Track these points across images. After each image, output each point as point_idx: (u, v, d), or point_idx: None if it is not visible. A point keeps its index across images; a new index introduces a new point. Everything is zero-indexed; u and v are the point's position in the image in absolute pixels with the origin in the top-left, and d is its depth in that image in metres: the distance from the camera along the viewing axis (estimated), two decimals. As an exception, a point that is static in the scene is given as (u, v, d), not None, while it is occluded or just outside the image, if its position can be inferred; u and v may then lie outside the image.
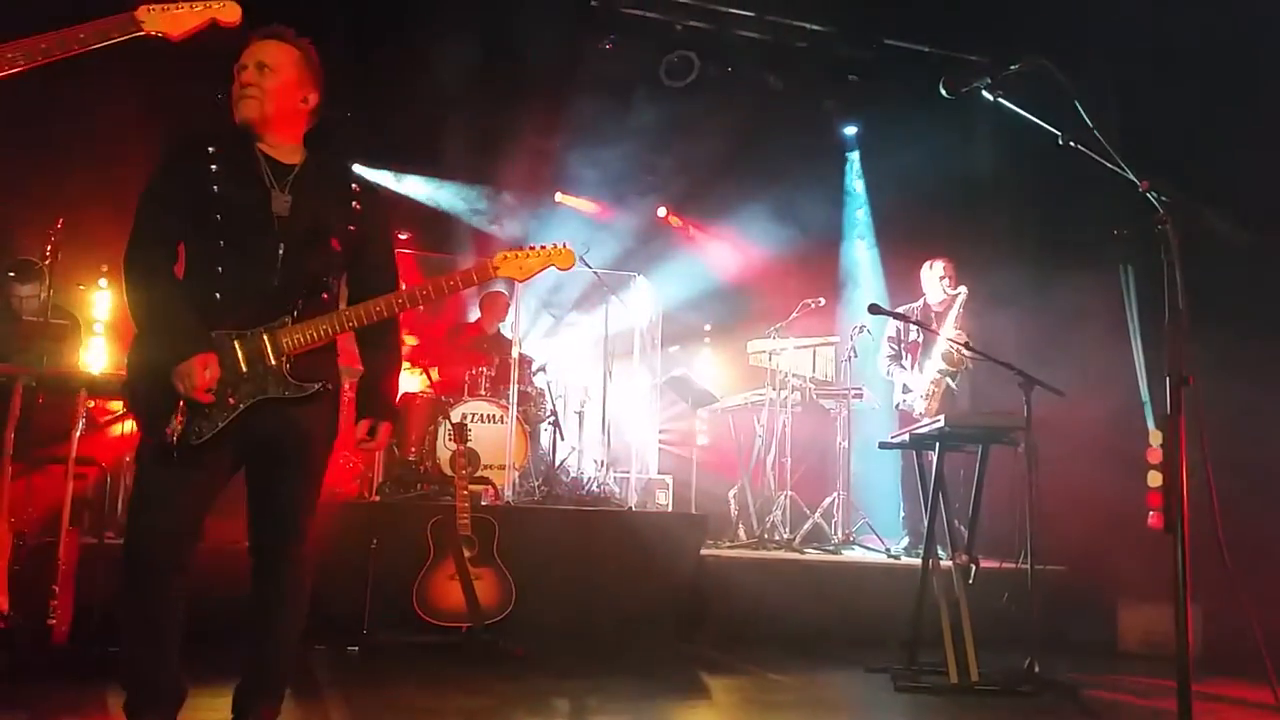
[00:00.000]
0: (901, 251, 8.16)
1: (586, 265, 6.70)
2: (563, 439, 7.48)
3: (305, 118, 2.90)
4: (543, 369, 7.67)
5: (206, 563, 2.81)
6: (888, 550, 6.69)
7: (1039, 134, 3.03)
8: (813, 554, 6.58)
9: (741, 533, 7.10)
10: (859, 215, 9.33)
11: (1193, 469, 2.58)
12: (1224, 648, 3.82)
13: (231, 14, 2.53)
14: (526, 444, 6.79)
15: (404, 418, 6.66)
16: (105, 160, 6.11)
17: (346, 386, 3.49)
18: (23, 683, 3.90)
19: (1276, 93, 5.48)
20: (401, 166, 8.79)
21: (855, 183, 9.39)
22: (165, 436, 2.61)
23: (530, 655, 4.73)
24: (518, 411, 6.69)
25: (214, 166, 2.73)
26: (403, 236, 8.25)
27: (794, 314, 7.35)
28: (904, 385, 6.65)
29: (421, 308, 3.02)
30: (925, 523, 4.95)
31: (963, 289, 6.40)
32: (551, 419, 7.33)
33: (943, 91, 3.29)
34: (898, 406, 6.77)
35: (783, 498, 7.07)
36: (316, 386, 2.77)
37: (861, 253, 9.19)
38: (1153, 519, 2.60)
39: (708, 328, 9.16)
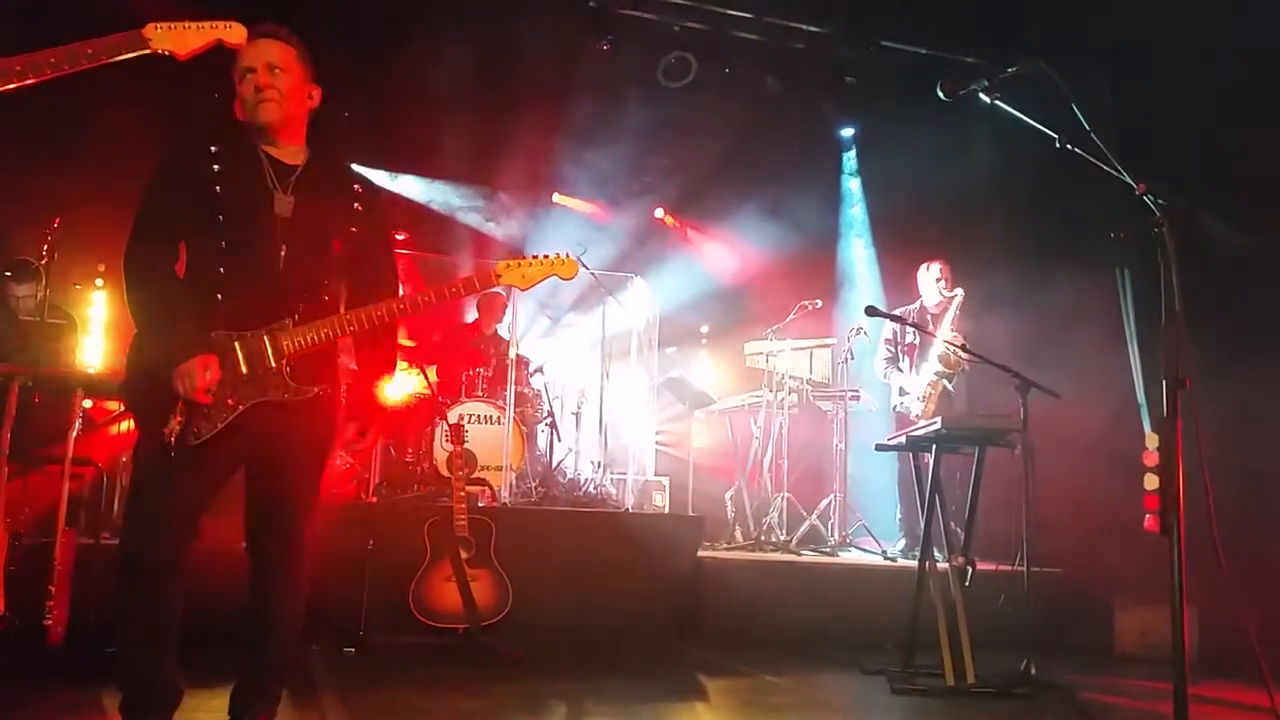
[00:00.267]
0: (898, 253, 8.17)
1: (584, 266, 6.69)
2: (559, 440, 7.48)
3: (308, 115, 2.90)
4: (540, 370, 7.67)
5: (203, 563, 2.81)
6: (884, 552, 6.69)
7: (1036, 136, 3.03)
8: (809, 556, 6.58)
9: (738, 534, 7.11)
10: (856, 216, 9.34)
11: (1189, 471, 2.59)
12: (1219, 650, 3.83)
13: (237, 35, 2.55)
14: (523, 445, 6.79)
15: (402, 419, 6.66)
16: (103, 160, 6.11)
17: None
18: (19, 684, 3.89)
19: (1273, 94, 5.49)
20: (399, 166, 8.79)
21: (852, 184, 9.39)
22: (164, 436, 2.61)
23: (527, 656, 4.73)
24: (515, 413, 6.68)
25: (216, 166, 2.73)
26: (400, 237, 8.24)
27: (791, 315, 7.35)
28: (900, 388, 6.66)
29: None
30: (922, 525, 4.95)
31: (959, 291, 6.41)
32: (548, 420, 7.33)
33: (940, 94, 3.30)
34: (894, 409, 6.78)
35: (779, 499, 7.08)
36: (316, 390, 2.77)
37: (858, 254, 9.20)
38: (1149, 522, 2.60)
39: (705, 330, 9.16)
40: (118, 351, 5.69)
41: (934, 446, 4.84)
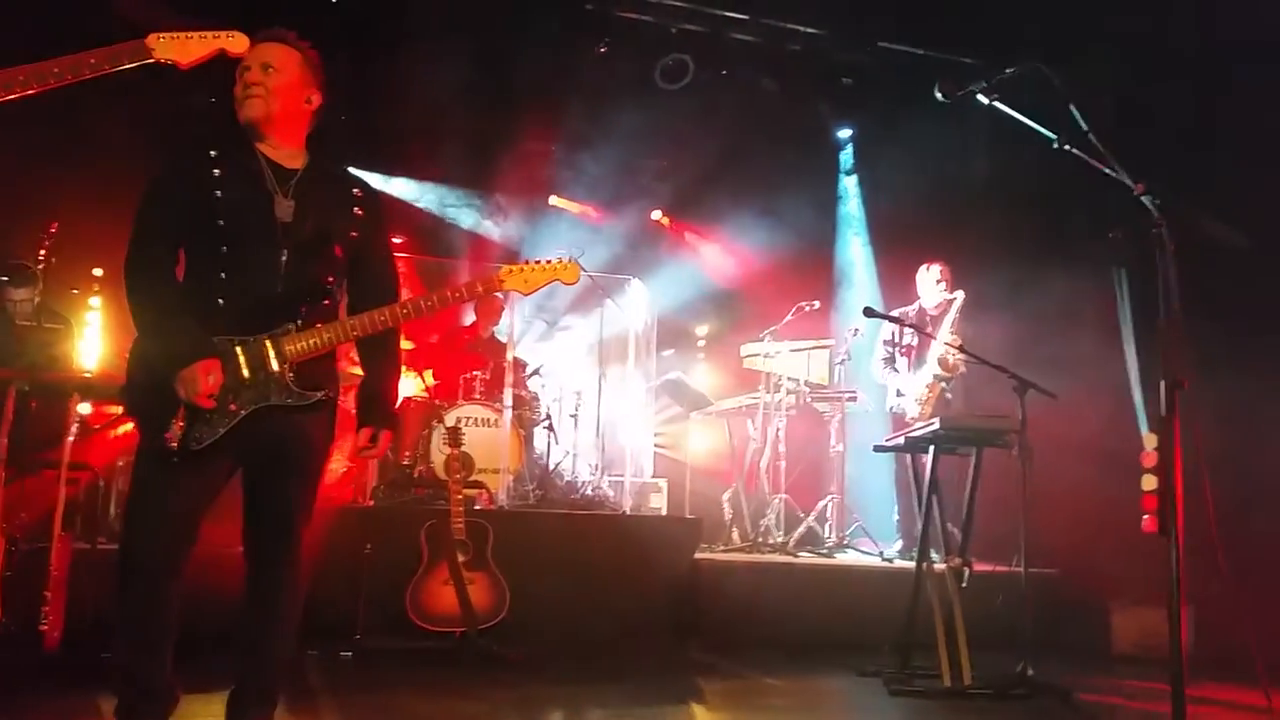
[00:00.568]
0: (896, 254, 8.17)
1: (581, 269, 6.69)
2: (557, 443, 7.47)
3: (308, 120, 2.90)
4: (537, 372, 7.66)
5: (201, 566, 2.80)
6: (881, 553, 6.69)
7: (1034, 137, 3.04)
8: (807, 557, 6.58)
9: (736, 536, 7.10)
10: (853, 217, 9.34)
11: (1185, 472, 2.59)
12: (1216, 650, 3.83)
13: (239, 45, 2.56)
14: (521, 448, 6.79)
15: (399, 422, 6.65)
16: (99, 164, 6.10)
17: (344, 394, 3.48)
18: (15, 689, 3.88)
19: (1270, 94, 5.50)
20: (396, 170, 8.79)
21: (849, 185, 9.40)
22: (165, 441, 2.60)
23: (525, 660, 4.72)
24: (512, 415, 6.68)
25: (216, 171, 2.73)
26: (398, 240, 8.24)
27: (788, 317, 7.35)
28: (897, 389, 6.65)
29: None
30: (919, 526, 4.95)
31: (959, 293, 6.40)
32: (546, 423, 7.33)
33: (938, 95, 3.31)
34: (890, 409, 6.78)
35: (777, 501, 7.07)
36: (319, 395, 2.77)
37: (855, 255, 9.20)
38: (1147, 522, 2.60)
39: (702, 333, 9.17)
40: (115, 356, 5.68)
41: (931, 447, 4.84)
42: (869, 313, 5.63)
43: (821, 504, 7.17)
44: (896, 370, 6.68)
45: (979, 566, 4.91)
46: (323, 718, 3.81)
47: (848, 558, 6.75)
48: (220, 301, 2.70)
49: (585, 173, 8.73)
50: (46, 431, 4.57)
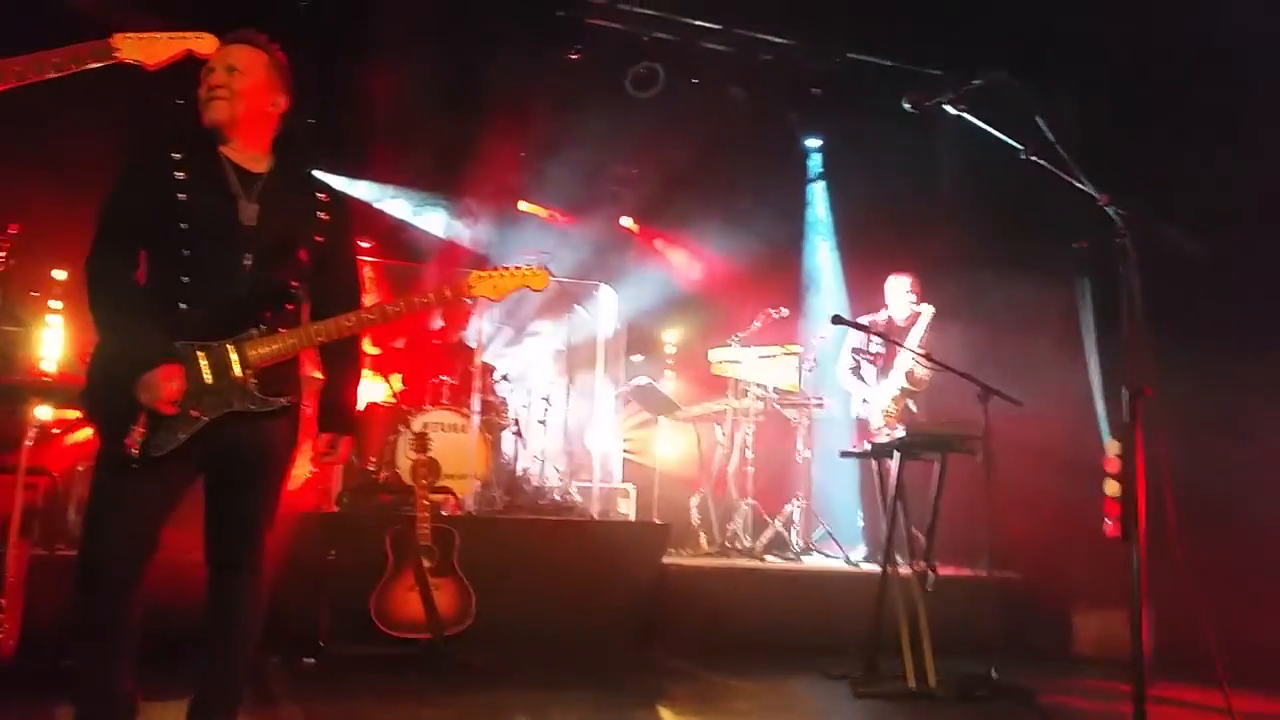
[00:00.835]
0: (863, 262, 8.24)
1: (551, 274, 6.67)
2: (525, 448, 7.45)
3: (274, 123, 2.87)
4: (505, 378, 7.64)
5: (161, 574, 2.76)
6: (847, 558, 6.74)
7: (1001, 148, 3.07)
8: (774, 562, 6.61)
9: (703, 541, 7.11)
10: (821, 226, 9.40)
11: (1148, 478, 2.63)
12: (1175, 652, 3.89)
13: (207, 46, 2.52)
14: (489, 453, 6.76)
15: (364, 427, 6.60)
16: (61, 165, 6.00)
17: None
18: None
19: (1232, 105, 5.61)
20: (364, 174, 8.73)
21: (818, 194, 9.45)
22: (125, 448, 2.56)
23: (491, 666, 4.70)
24: (480, 421, 6.65)
25: (179, 174, 2.69)
26: (365, 244, 8.18)
27: (756, 323, 7.38)
28: (863, 398, 6.69)
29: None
30: (884, 531, 4.99)
31: (928, 307, 6.45)
32: (514, 428, 7.31)
33: (906, 106, 3.34)
34: (855, 415, 6.82)
35: (744, 506, 7.10)
36: (283, 401, 2.74)
37: (823, 263, 9.25)
38: (1110, 527, 2.64)
39: (671, 340, 9.17)
40: (75, 359, 5.59)
41: (897, 454, 4.89)
42: (837, 320, 5.67)
43: (788, 509, 7.20)
44: (863, 379, 6.72)
45: (943, 571, 4.97)
46: (287, 726, 3.77)
47: (814, 562, 6.79)
48: (183, 306, 2.66)
49: (554, 179, 8.71)
50: (4, 436, 4.49)
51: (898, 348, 6.37)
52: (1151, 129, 6.00)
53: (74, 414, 5.01)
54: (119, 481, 2.62)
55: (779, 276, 8.86)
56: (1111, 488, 2.64)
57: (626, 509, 7.57)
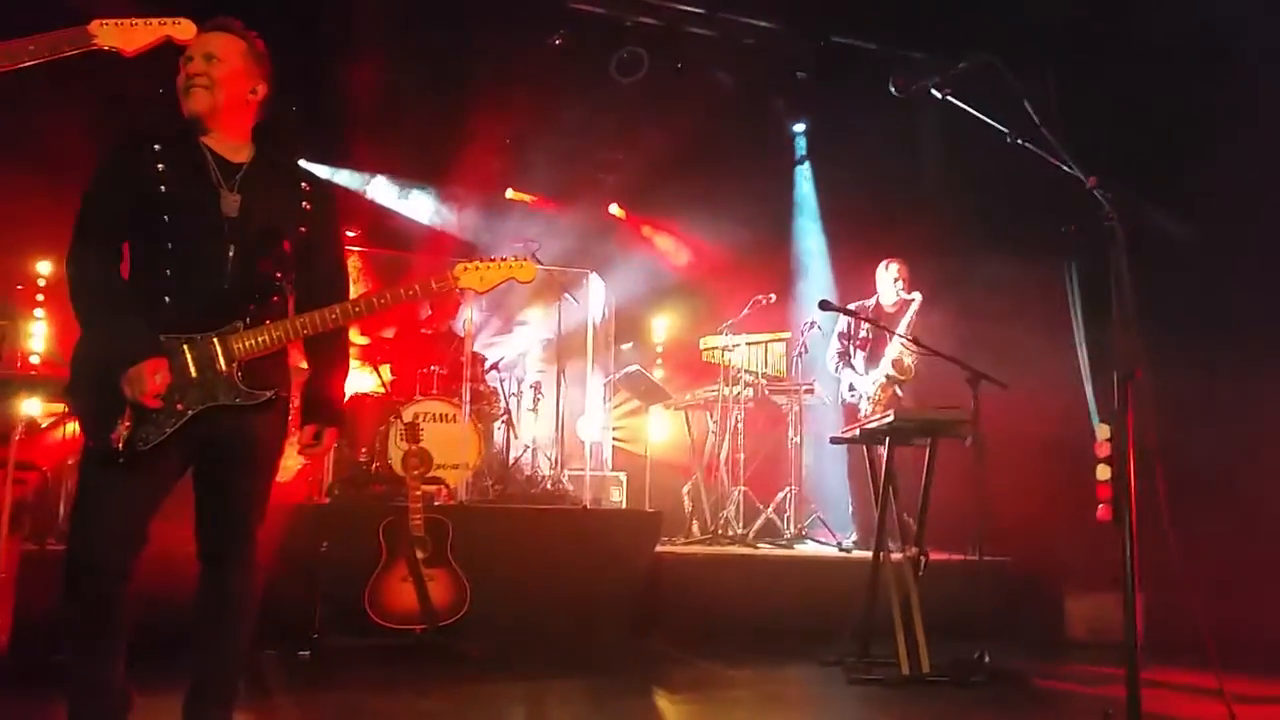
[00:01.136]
0: (851, 247, 8.24)
1: (538, 262, 6.66)
2: (516, 437, 7.44)
3: (254, 111, 2.84)
4: (495, 367, 7.62)
5: (153, 568, 2.75)
6: (839, 544, 6.75)
7: (988, 131, 3.07)
8: (766, 549, 6.63)
9: (695, 529, 7.13)
10: (808, 211, 9.39)
11: (1138, 461, 2.64)
12: (1166, 635, 3.92)
13: (186, 32, 2.50)
14: (480, 443, 6.75)
15: (355, 418, 6.58)
16: (42, 157, 5.94)
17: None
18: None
19: (1220, 87, 5.61)
20: (348, 163, 8.68)
21: (804, 179, 9.45)
22: (111, 442, 2.55)
23: (485, 656, 4.71)
24: (470, 410, 6.64)
25: (160, 165, 2.66)
26: (352, 234, 8.15)
27: (745, 310, 7.38)
28: (850, 384, 6.70)
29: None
30: (874, 517, 5.00)
31: (917, 295, 6.45)
32: (505, 417, 7.30)
33: (892, 90, 3.33)
34: (842, 400, 6.83)
35: (736, 493, 7.11)
36: (269, 394, 2.72)
37: (811, 248, 9.25)
38: (1101, 511, 2.65)
39: (660, 327, 9.16)
40: (62, 353, 5.56)
41: (887, 439, 4.89)
42: (824, 305, 5.68)
43: (780, 495, 7.21)
44: (852, 366, 6.72)
45: (935, 555, 4.98)
46: (281, 718, 3.77)
47: (806, 549, 6.81)
48: (166, 299, 2.65)
49: (541, 166, 8.68)
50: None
51: (885, 334, 6.38)
52: (1137, 112, 6.00)
53: (62, 408, 4.99)
54: (105, 476, 2.60)
55: (767, 262, 8.86)
56: (1102, 472, 2.65)
57: (618, 497, 7.57)
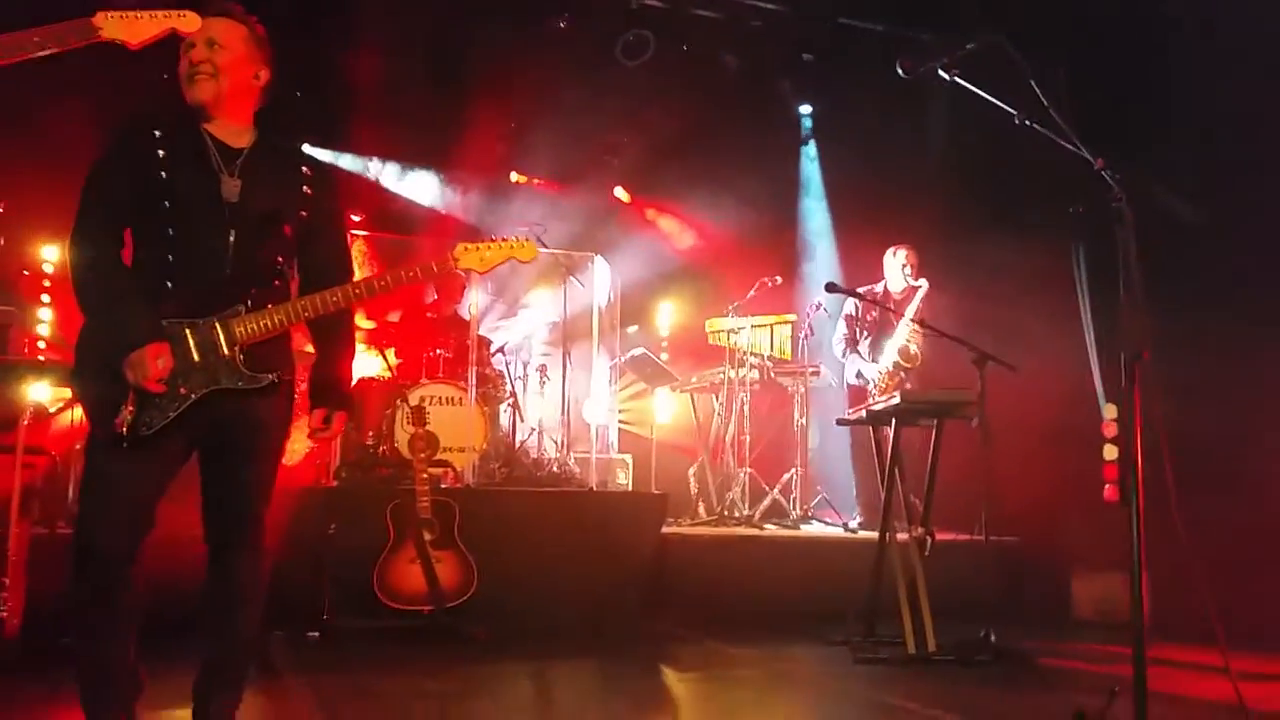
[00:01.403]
0: (857, 229, 8.23)
1: (543, 246, 6.67)
2: (522, 420, 7.46)
3: (256, 96, 2.83)
4: (501, 350, 7.63)
5: (161, 552, 2.77)
6: (845, 525, 6.77)
7: (995, 113, 3.05)
8: (772, 530, 6.65)
9: (702, 510, 7.15)
10: (815, 193, 9.37)
11: (1145, 442, 2.64)
12: (1172, 614, 3.93)
13: (191, 24, 2.49)
14: (486, 426, 6.76)
15: (361, 401, 6.60)
16: (47, 143, 5.95)
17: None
18: (-25, 677, 3.83)
19: (1228, 68, 5.58)
20: (352, 147, 8.67)
21: (811, 162, 9.42)
22: (115, 427, 2.56)
23: (493, 637, 4.74)
24: (477, 393, 6.65)
25: (161, 151, 2.66)
26: (355, 218, 8.15)
27: (751, 292, 7.38)
28: (858, 372, 6.68)
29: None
30: (881, 497, 5.01)
31: (924, 282, 6.43)
32: (510, 400, 7.31)
33: (899, 71, 3.31)
34: (848, 383, 6.83)
35: (742, 475, 7.12)
36: (271, 377, 2.73)
37: (817, 230, 9.24)
38: (1108, 492, 2.65)
39: (665, 313, 9.16)
40: (67, 339, 5.58)
41: (893, 420, 4.90)
42: (830, 288, 5.67)
43: (786, 477, 7.23)
44: (859, 353, 6.71)
45: (941, 536, 4.99)
46: (291, 698, 3.80)
47: (812, 530, 6.83)
48: (168, 284, 2.65)
49: (546, 150, 8.66)
50: (1, 416, 4.48)
51: (891, 318, 6.37)
52: (1145, 93, 5.97)
53: (68, 393, 5.01)
54: (110, 461, 2.61)
55: (773, 245, 8.85)
56: (1109, 452, 2.65)
57: (625, 479, 7.59)
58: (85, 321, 2.68)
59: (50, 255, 6.14)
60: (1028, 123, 2.94)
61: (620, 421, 8.46)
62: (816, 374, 7.42)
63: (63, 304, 5.89)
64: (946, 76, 3.16)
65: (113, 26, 2.40)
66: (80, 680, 2.66)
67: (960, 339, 4.91)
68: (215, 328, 2.66)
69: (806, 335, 7.41)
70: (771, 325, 7.55)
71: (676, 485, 7.27)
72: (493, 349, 7.49)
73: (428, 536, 4.84)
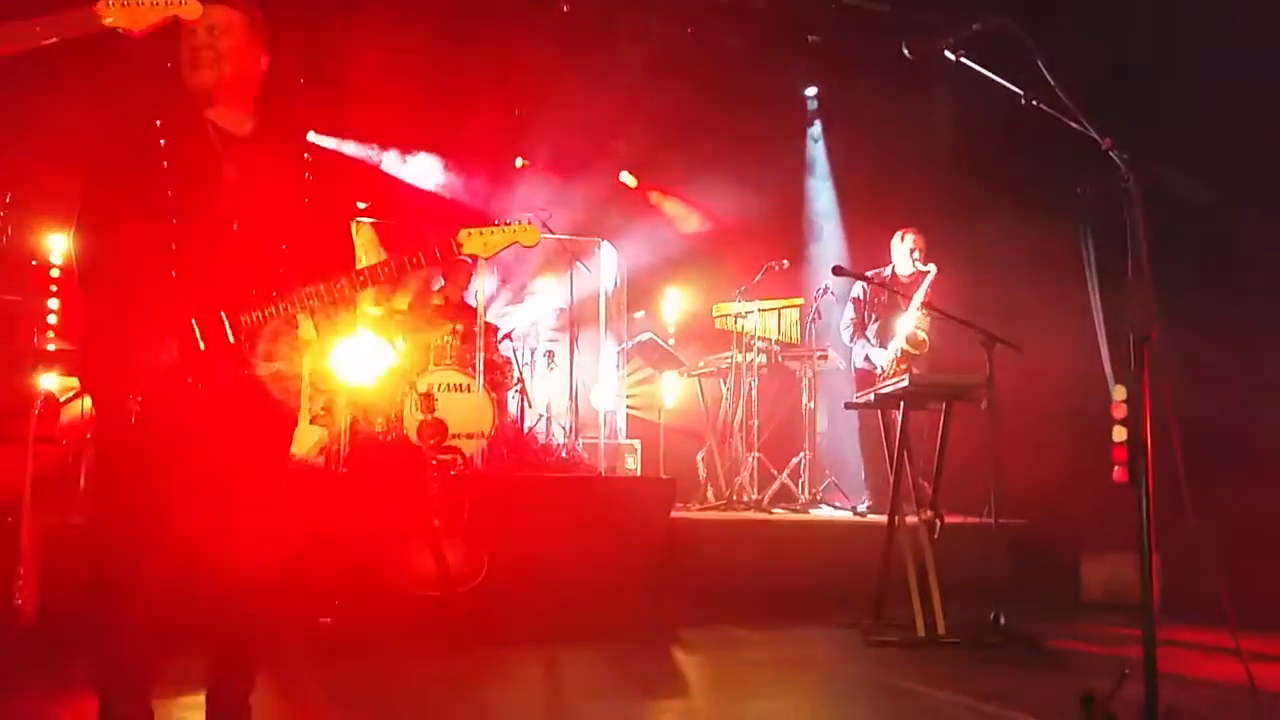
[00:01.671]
0: (863, 212, 8.20)
1: (549, 232, 6.67)
2: (530, 406, 7.47)
3: (257, 82, 2.83)
4: (508, 336, 7.64)
5: (173, 542, 2.78)
6: (854, 508, 6.77)
7: (1002, 93, 3.03)
8: (781, 514, 6.65)
9: (710, 495, 7.16)
10: (820, 176, 9.34)
11: (1154, 422, 2.63)
12: (1181, 595, 3.93)
13: (192, 11, 2.48)
14: (494, 412, 6.77)
15: (369, 389, 6.60)
16: (52, 134, 5.95)
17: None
18: (-9, 665, 3.86)
19: (1237, 47, 5.53)
20: (358, 134, 8.66)
21: (817, 144, 9.38)
22: (123, 416, 2.57)
23: (504, 622, 4.75)
24: (485, 380, 6.66)
25: (162, 140, 2.66)
26: (361, 205, 8.14)
27: (758, 276, 7.36)
28: (866, 356, 6.66)
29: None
30: (889, 480, 5.01)
31: (933, 267, 6.39)
32: (518, 386, 7.32)
33: (905, 52, 3.28)
34: (855, 367, 6.81)
35: (750, 459, 7.13)
36: (276, 364, 2.73)
37: (824, 214, 9.21)
38: (1118, 473, 2.64)
39: (672, 299, 9.14)
40: (76, 329, 5.59)
41: (901, 403, 4.89)
42: (838, 271, 5.65)
43: (794, 461, 7.23)
44: (868, 337, 6.68)
45: (950, 519, 4.99)
46: (304, 683, 3.82)
47: (821, 513, 6.83)
48: (173, 273, 2.65)
49: (551, 134, 8.64)
50: (10, 406, 4.51)
51: (899, 303, 6.35)
52: (1153, 71, 5.92)
53: (78, 382, 5.03)
54: (121, 451, 2.63)
55: (779, 228, 8.82)
56: (1118, 433, 2.64)
57: (633, 465, 7.60)
58: (92, 311, 2.69)
59: (57, 245, 6.15)
60: (1034, 103, 2.91)
61: (628, 407, 8.46)
62: (824, 358, 7.41)
63: (71, 294, 5.89)
64: (952, 57, 3.13)
65: (114, 14, 2.40)
66: (95, 670, 2.69)
67: (968, 322, 4.89)
68: (220, 316, 2.67)
69: (814, 319, 7.39)
70: (779, 309, 7.54)
71: (685, 470, 7.28)
72: (500, 335, 7.49)
73: (437, 523, 4.85)
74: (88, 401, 5.26)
